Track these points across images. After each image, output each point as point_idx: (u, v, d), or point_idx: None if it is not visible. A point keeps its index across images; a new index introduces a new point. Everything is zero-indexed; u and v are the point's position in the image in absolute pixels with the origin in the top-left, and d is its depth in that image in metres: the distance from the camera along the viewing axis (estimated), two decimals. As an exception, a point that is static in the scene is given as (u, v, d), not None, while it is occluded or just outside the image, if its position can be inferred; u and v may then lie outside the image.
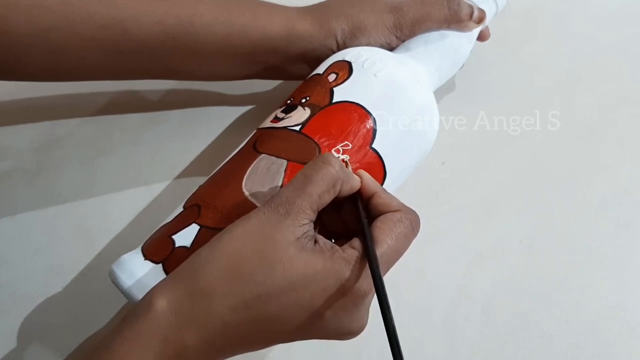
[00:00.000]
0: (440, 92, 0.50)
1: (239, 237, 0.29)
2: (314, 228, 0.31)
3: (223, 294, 0.28)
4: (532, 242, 0.44)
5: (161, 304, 0.28)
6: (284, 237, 0.29)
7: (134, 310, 0.29)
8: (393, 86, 0.38)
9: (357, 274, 0.29)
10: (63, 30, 0.37)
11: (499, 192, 0.46)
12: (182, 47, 0.40)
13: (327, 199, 0.31)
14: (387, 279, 0.42)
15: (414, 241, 0.43)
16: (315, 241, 0.30)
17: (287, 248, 0.29)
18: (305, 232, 0.30)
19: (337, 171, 0.31)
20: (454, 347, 0.41)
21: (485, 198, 0.46)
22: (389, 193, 0.33)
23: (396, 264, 0.42)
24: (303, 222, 0.29)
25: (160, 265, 0.33)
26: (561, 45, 0.54)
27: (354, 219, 0.33)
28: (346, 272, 0.29)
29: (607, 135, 0.49)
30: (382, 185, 0.37)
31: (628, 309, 0.42)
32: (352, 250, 0.30)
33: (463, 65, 0.45)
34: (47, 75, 0.42)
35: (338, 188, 0.31)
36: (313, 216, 0.30)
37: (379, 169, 0.36)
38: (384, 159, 0.36)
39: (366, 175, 0.33)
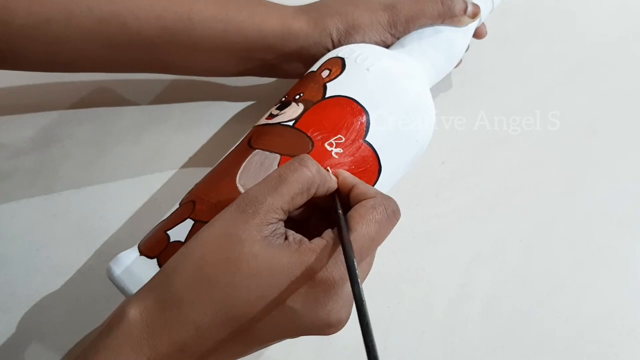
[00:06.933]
0: (441, 92, 0.50)
1: (205, 241, 0.29)
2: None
3: (191, 300, 0.28)
4: (532, 242, 0.44)
5: (133, 313, 0.28)
6: (249, 235, 0.28)
7: (109, 321, 0.29)
8: (386, 80, 0.38)
9: (325, 263, 0.28)
10: (62, 22, 0.38)
11: (499, 192, 0.46)
12: (179, 42, 0.41)
13: (300, 201, 0.30)
14: (387, 278, 0.42)
15: (414, 241, 0.44)
16: (286, 237, 0.29)
17: (252, 246, 0.28)
18: (273, 231, 0.29)
19: (313, 174, 0.30)
20: (454, 347, 0.41)
21: (485, 198, 0.46)
22: (368, 185, 0.32)
23: (396, 263, 0.43)
24: (271, 221, 0.29)
25: (154, 260, 0.33)
26: (561, 45, 0.54)
27: (332, 215, 0.32)
28: (313, 261, 0.28)
29: (607, 135, 0.49)
30: (377, 179, 0.37)
31: (628, 308, 0.42)
32: (319, 240, 0.29)
33: (460, 61, 0.45)
34: (46, 66, 0.42)
35: (313, 191, 0.30)
36: (283, 216, 0.29)
37: (373, 162, 0.37)
38: (378, 152, 0.37)
39: (344, 172, 0.33)
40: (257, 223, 0.28)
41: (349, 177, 0.32)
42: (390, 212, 0.31)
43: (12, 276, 0.42)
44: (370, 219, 0.30)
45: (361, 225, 0.29)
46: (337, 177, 0.32)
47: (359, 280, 0.27)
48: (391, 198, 0.31)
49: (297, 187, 0.30)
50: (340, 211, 0.30)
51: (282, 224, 0.30)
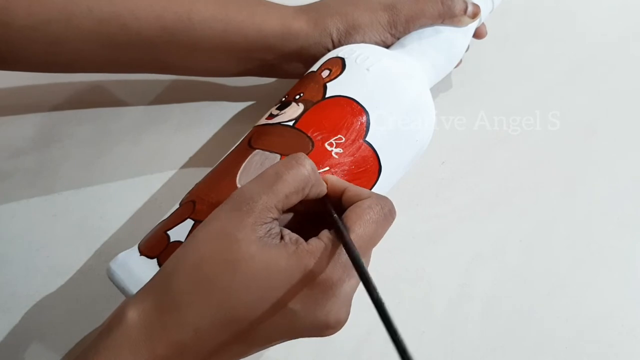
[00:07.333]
0: (441, 92, 0.50)
1: (202, 241, 0.29)
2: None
3: (190, 301, 0.28)
4: (532, 242, 0.44)
5: (131, 315, 0.28)
6: (245, 236, 0.28)
7: (108, 322, 0.29)
8: (386, 80, 0.38)
9: (324, 264, 0.28)
10: (63, 23, 0.38)
11: (499, 192, 0.46)
12: (179, 42, 0.41)
13: (295, 200, 0.30)
14: (387, 278, 0.42)
15: (414, 241, 0.44)
16: (282, 237, 0.29)
17: (248, 247, 0.28)
18: (268, 231, 0.28)
19: (309, 172, 0.30)
20: (454, 347, 0.41)
21: (485, 198, 0.46)
22: (359, 187, 0.32)
23: (396, 263, 0.43)
24: (266, 221, 0.28)
25: (154, 260, 0.33)
26: (561, 45, 0.54)
27: (323, 220, 0.31)
28: (311, 263, 0.28)
29: (607, 135, 0.49)
30: (377, 179, 0.37)
31: (628, 308, 0.42)
32: (317, 241, 0.29)
33: (460, 61, 0.45)
34: (46, 66, 0.42)
35: (307, 191, 0.30)
36: (278, 215, 0.29)
37: (373, 162, 0.37)
38: (378, 152, 0.37)
39: (332, 177, 0.32)
40: (252, 222, 0.28)
41: (338, 181, 0.32)
42: (387, 212, 0.30)
43: (12, 276, 0.42)
44: (368, 220, 0.29)
45: (358, 226, 0.29)
46: (326, 182, 0.32)
47: (372, 280, 0.26)
48: (386, 197, 0.31)
49: (293, 186, 0.29)
50: (335, 215, 0.30)
51: (276, 223, 0.29)
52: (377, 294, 0.26)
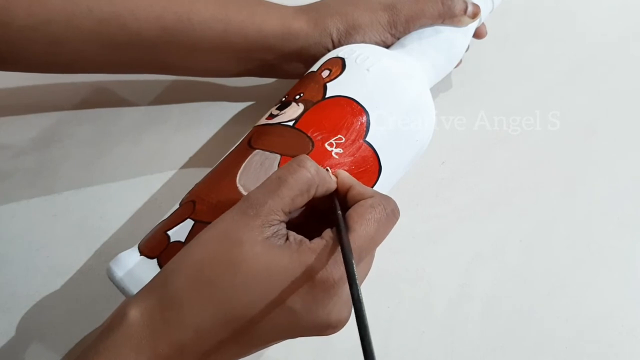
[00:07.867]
0: (441, 92, 0.50)
1: (206, 242, 0.29)
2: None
3: (191, 301, 0.28)
4: (532, 242, 0.44)
5: (133, 314, 0.28)
6: (251, 237, 0.28)
7: (109, 322, 0.29)
8: (386, 80, 0.38)
9: (325, 263, 0.28)
10: (63, 23, 0.38)
11: (499, 192, 0.46)
12: (179, 42, 0.41)
13: (301, 202, 0.30)
14: (387, 278, 0.42)
15: (414, 241, 0.44)
16: (287, 239, 0.29)
17: (252, 247, 0.28)
18: (275, 232, 0.29)
19: (312, 175, 0.30)
20: (454, 347, 0.41)
21: (485, 198, 0.46)
22: (365, 186, 0.32)
23: (396, 263, 0.43)
24: (273, 223, 0.29)
25: (154, 261, 0.33)
26: (561, 45, 0.54)
27: (331, 216, 0.31)
28: (312, 261, 0.28)
29: (607, 135, 0.49)
30: (377, 179, 0.37)
31: (628, 308, 0.42)
32: (319, 240, 0.29)
33: (460, 61, 0.45)
34: (46, 67, 0.42)
35: (312, 192, 0.30)
36: (285, 218, 0.29)
37: (373, 162, 0.37)
38: (378, 152, 0.37)
39: (342, 172, 0.33)
40: (259, 225, 0.28)
41: (347, 178, 0.32)
42: (390, 211, 0.30)
43: (12, 276, 0.42)
44: (369, 218, 0.29)
45: (360, 224, 0.29)
46: (336, 177, 0.32)
47: (357, 281, 0.27)
48: (390, 197, 0.31)
49: (297, 189, 0.29)
50: (339, 212, 0.30)
51: (283, 225, 0.29)
52: (358, 293, 0.26)
